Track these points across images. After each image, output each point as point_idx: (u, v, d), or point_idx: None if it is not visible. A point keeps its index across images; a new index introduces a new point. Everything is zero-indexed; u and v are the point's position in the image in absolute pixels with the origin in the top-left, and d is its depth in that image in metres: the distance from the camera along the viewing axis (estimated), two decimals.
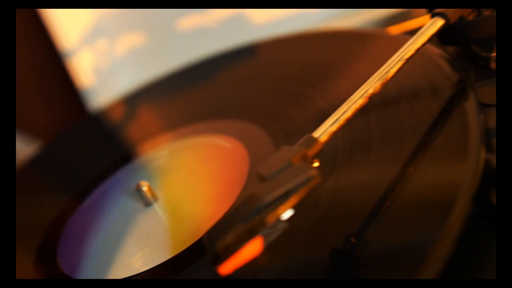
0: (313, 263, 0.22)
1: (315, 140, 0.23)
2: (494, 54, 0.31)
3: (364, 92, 0.24)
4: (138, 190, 0.30)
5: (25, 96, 0.55)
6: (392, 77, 0.25)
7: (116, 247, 0.28)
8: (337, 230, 0.22)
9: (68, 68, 0.51)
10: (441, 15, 0.28)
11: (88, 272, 0.28)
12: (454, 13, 0.29)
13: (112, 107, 0.44)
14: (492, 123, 0.26)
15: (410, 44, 0.26)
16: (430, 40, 0.27)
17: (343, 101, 0.24)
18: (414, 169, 0.24)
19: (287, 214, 0.20)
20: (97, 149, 0.41)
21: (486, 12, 0.32)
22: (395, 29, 0.38)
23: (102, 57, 0.48)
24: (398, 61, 0.26)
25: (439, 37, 0.31)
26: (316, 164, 0.23)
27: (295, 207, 0.20)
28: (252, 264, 0.21)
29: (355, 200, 0.23)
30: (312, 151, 0.22)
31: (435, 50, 0.29)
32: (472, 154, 0.23)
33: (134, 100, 0.42)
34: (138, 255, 0.27)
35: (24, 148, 0.54)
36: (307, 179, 0.20)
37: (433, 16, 0.29)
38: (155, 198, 0.30)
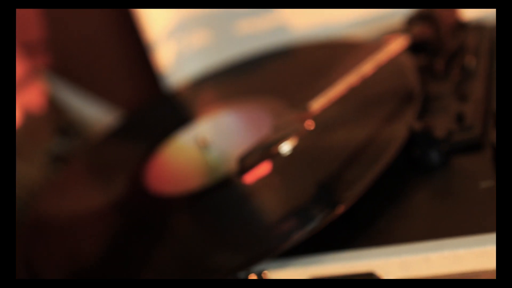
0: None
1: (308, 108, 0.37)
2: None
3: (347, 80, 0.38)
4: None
5: (112, 71, 0.68)
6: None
7: None
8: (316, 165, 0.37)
9: (151, 53, 0.64)
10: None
11: None
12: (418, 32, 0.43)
13: (182, 89, 0.59)
14: None
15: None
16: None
17: None
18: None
19: (285, 148, 0.35)
20: (169, 122, 0.54)
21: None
22: None
23: (179, 47, 0.62)
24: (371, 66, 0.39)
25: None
26: (310, 124, 0.37)
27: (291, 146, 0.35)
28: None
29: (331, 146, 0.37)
30: (306, 115, 0.37)
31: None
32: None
33: (201, 84, 0.56)
34: None
35: (105, 116, 0.67)
36: (297, 128, 0.34)
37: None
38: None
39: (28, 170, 0.57)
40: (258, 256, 0.32)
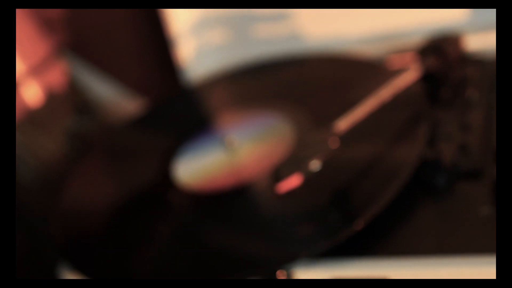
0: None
1: (335, 128, 0.42)
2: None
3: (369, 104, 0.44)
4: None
5: (132, 57, 0.72)
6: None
7: None
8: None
9: (172, 45, 0.68)
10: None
11: None
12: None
13: (203, 84, 0.62)
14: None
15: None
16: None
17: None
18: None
19: (316, 165, 0.40)
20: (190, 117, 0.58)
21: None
22: None
23: (199, 42, 0.66)
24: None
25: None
26: (335, 142, 0.42)
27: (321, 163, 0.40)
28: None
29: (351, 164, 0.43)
30: (333, 134, 0.42)
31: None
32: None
33: (220, 81, 0.61)
34: None
35: (120, 100, 0.71)
36: (326, 148, 0.40)
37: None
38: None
39: (47, 144, 0.61)
40: (286, 258, 0.37)
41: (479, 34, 0.53)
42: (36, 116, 0.61)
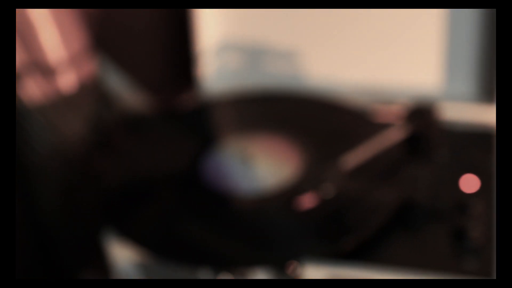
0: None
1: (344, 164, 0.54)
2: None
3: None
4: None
5: (155, 62, 0.81)
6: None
7: None
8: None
9: (194, 58, 0.74)
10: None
11: None
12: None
13: (220, 100, 0.71)
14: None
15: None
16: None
17: None
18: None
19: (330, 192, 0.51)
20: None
21: None
22: None
23: (219, 62, 0.74)
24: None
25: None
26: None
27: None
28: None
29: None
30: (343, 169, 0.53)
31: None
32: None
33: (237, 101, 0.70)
34: None
35: (136, 100, 0.80)
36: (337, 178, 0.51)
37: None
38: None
39: (73, 126, 0.70)
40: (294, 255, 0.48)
41: (455, 104, 0.66)
42: (68, 100, 0.69)
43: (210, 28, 0.72)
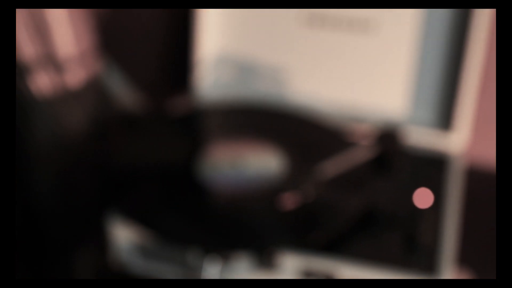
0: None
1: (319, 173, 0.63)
2: None
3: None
4: None
5: (154, 66, 0.87)
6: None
7: None
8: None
9: (193, 65, 0.80)
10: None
11: None
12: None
13: (212, 107, 0.77)
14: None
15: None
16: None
17: None
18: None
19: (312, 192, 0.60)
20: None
21: None
22: None
23: (215, 71, 0.81)
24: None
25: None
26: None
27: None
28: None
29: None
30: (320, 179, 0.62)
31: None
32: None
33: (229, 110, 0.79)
34: None
35: (132, 99, 0.85)
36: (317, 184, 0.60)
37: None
38: None
39: (75, 118, 0.76)
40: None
41: (417, 129, 0.75)
42: (73, 94, 0.76)
43: (210, 39, 0.79)
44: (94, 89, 0.78)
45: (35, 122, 0.71)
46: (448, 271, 0.58)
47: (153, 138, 0.73)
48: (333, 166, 0.64)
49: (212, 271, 0.57)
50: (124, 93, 0.84)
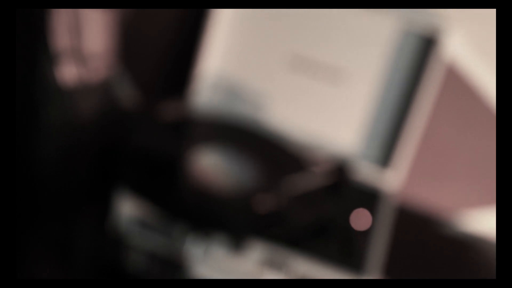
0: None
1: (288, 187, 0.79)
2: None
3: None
4: None
5: (159, 71, 0.93)
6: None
7: None
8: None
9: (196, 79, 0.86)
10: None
11: None
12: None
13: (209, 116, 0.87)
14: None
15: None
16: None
17: None
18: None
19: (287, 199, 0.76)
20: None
21: None
22: None
23: (214, 85, 0.89)
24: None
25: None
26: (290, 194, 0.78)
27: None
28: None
29: None
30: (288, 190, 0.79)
31: None
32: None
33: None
34: None
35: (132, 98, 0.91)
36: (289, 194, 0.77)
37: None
38: None
39: (89, 107, 0.87)
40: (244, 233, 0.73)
41: (364, 165, 0.85)
42: (90, 86, 0.81)
43: (213, 58, 0.87)
44: (107, 85, 0.83)
45: (53, 101, 0.76)
46: (374, 273, 0.74)
47: (147, 135, 0.84)
48: (295, 183, 0.80)
49: (194, 245, 0.72)
50: (126, 92, 0.90)
